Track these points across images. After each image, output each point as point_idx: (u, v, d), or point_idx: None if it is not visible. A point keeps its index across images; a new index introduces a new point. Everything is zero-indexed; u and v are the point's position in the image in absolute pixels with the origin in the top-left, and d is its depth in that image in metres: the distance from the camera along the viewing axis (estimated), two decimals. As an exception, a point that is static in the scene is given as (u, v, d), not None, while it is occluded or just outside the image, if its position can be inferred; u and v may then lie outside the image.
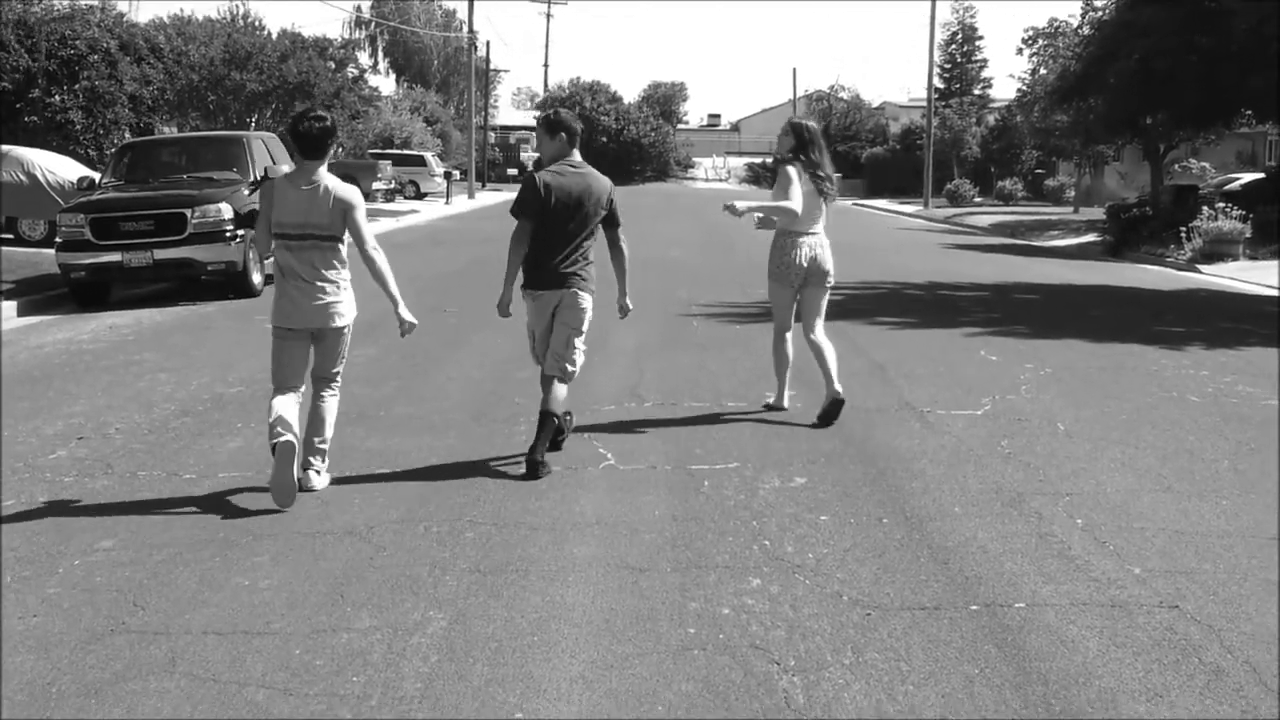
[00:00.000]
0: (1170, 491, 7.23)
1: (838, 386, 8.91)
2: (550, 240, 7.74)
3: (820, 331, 9.12)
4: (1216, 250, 25.11)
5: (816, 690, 4.54)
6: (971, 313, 16.26)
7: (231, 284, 17.34)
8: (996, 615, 5.26)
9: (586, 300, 7.86)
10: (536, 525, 6.53)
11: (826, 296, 9.23)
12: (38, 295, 17.13)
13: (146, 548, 6.20)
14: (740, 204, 8.76)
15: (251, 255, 17.42)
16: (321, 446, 7.27)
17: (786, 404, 9.37)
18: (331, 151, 7.26)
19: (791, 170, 8.79)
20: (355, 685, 4.58)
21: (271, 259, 7.34)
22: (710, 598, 5.46)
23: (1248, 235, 25.45)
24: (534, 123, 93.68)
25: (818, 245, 8.99)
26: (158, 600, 5.47)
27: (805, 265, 8.93)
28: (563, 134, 7.82)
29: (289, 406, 7.01)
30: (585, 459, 7.93)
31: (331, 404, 7.37)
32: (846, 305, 16.70)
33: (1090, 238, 33.35)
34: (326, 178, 7.09)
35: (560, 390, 7.78)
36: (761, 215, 9.02)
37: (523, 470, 7.54)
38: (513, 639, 4.99)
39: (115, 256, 16.58)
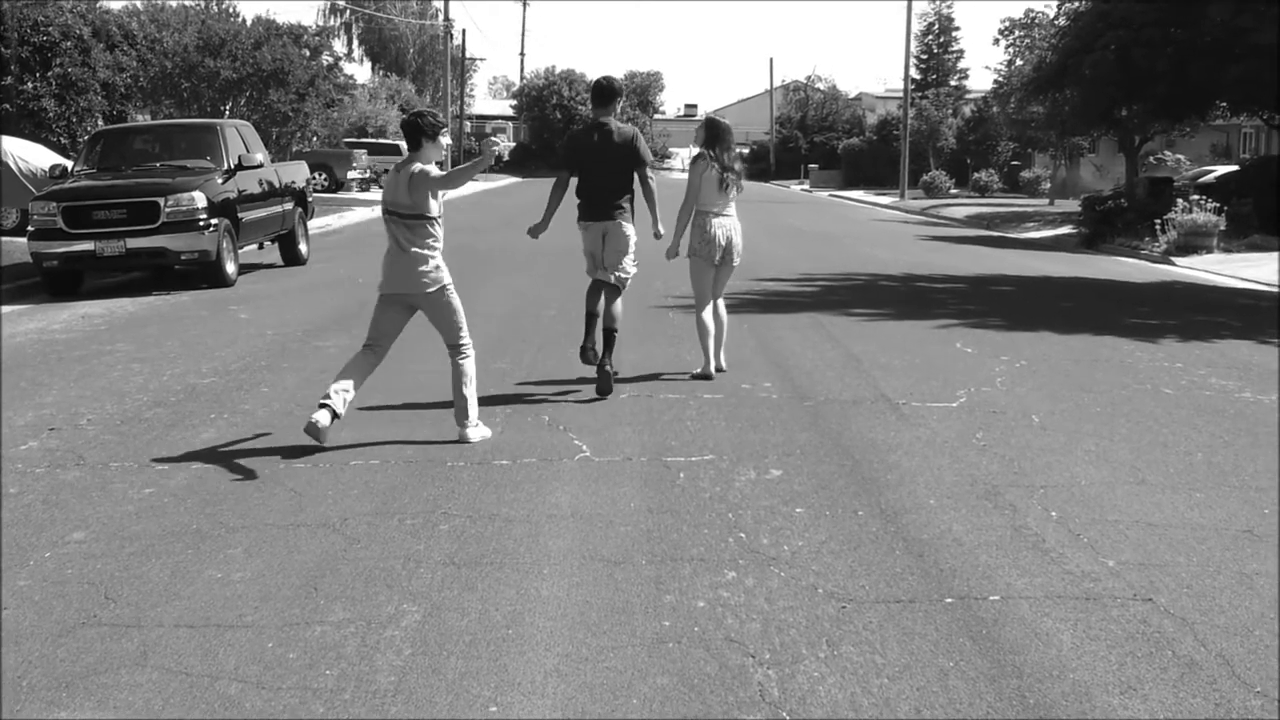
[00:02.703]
0: (1144, 484, 7.26)
1: (721, 362, 10.43)
2: (587, 182, 9.59)
3: (721, 304, 10.46)
4: (1191, 243, 25.21)
5: (791, 683, 4.53)
6: (947, 305, 16.30)
7: (205, 274, 17.26)
8: (971, 608, 5.26)
9: (628, 228, 9.64)
10: (511, 518, 6.51)
11: (731, 275, 10.58)
12: (9, 284, 17.03)
13: (118, 540, 6.16)
14: (670, 248, 10.31)
15: (225, 245, 17.32)
16: (463, 405, 8.14)
17: (714, 372, 10.31)
18: (427, 140, 7.94)
19: (696, 170, 10.13)
20: (328, 679, 4.56)
21: None
22: (685, 590, 5.45)
23: (1222, 228, 25.56)
24: (510, 112, 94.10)
25: (731, 228, 10.25)
26: (129, 593, 5.43)
27: (723, 245, 10.18)
28: (593, 97, 9.88)
29: (355, 366, 8.15)
30: (560, 451, 7.92)
31: (464, 365, 8.18)
32: (822, 297, 16.75)
33: (1065, 230, 33.45)
34: (414, 164, 7.92)
35: (617, 307, 9.62)
36: (679, 237, 10.33)
37: (592, 391, 9.48)
38: (487, 632, 4.98)
39: (88, 245, 16.47)
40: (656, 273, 17.40)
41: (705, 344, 10.29)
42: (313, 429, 7.81)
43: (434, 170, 7.92)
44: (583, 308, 9.88)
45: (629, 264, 9.75)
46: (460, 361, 8.20)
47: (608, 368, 9.49)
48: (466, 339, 8.25)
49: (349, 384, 8.04)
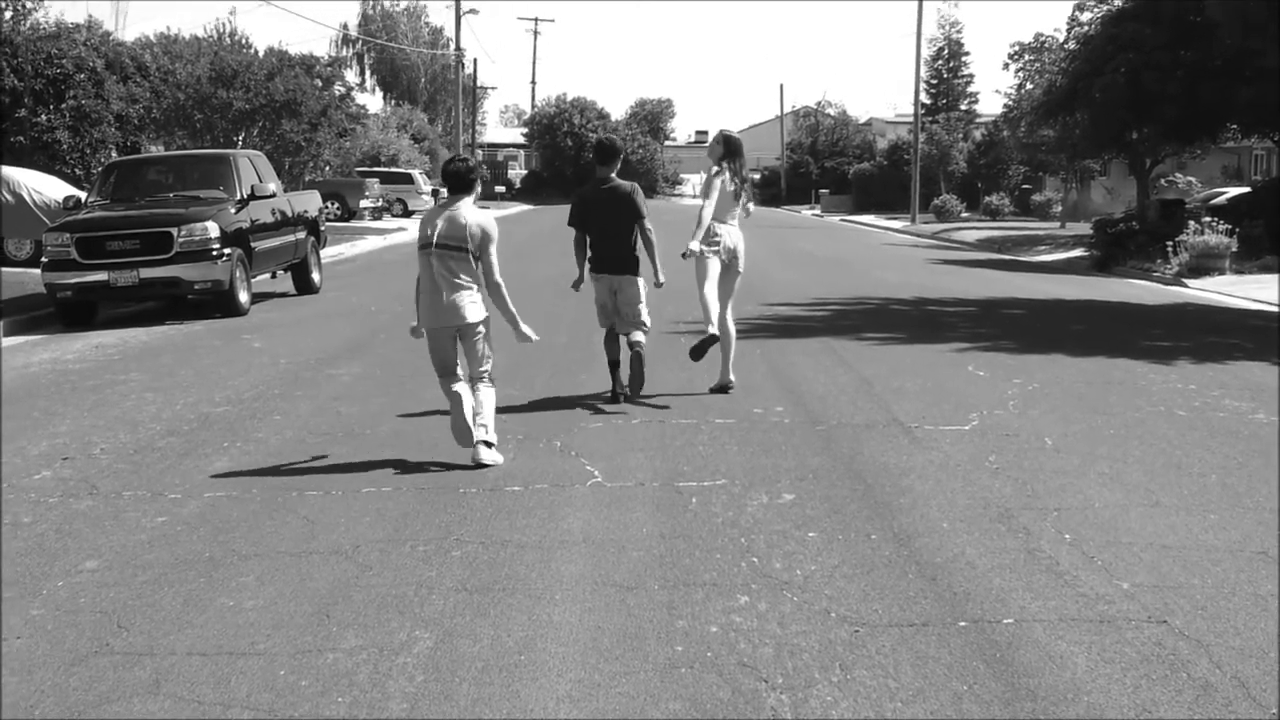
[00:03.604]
0: (1158, 506, 7.23)
1: (731, 378, 10.78)
2: (597, 238, 10.33)
3: (729, 317, 10.80)
4: (1203, 264, 25.16)
5: (804, 708, 4.52)
6: (959, 328, 16.28)
7: (218, 303, 17.31)
8: (985, 631, 5.24)
9: (636, 279, 10.38)
10: (523, 543, 6.51)
11: (737, 283, 10.90)
12: (23, 315, 17.08)
13: (131, 568, 6.17)
14: (692, 245, 10.33)
15: (238, 274, 17.37)
16: (483, 424, 8.29)
17: (718, 334, 10.41)
18: (476, 183, 8.49)
19: (715, 180, 10.53)
20: (341, 706, 4.55)
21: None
22: (698, 615, 5.44)
23: (1234, 249, 25.51)
24: (521, 140, 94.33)
25: (735, 236, 10.70)
26: (142, 621, 5.44)
27: (731, 247, 10.61)
28: (596, 156, 10.63)
29: (454, 397, 8.34)
30: (572, 476, 7.92)
31: (487, 393, 8.40)
32: (834, 321, 16.74)
33: (1077, 253, 33.42)
34: (468, 207, 8.32)
35: (638, 335, 10.31)
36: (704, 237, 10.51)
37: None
38: (499, 658, 4.97)
39: (101, 276, 16.54)
40: (668, 299, 17.44)
41: (708, 312, 10.41)
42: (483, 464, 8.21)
43: (496, 262, 8.37)
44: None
45: (641, 312, 10.45)
46: (481, 388, 8.39)
47: (623, 390, 10.35)
48: (489, 370, 8.47)
49: (470, 413, 8.30)
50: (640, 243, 10.41)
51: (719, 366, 10.90)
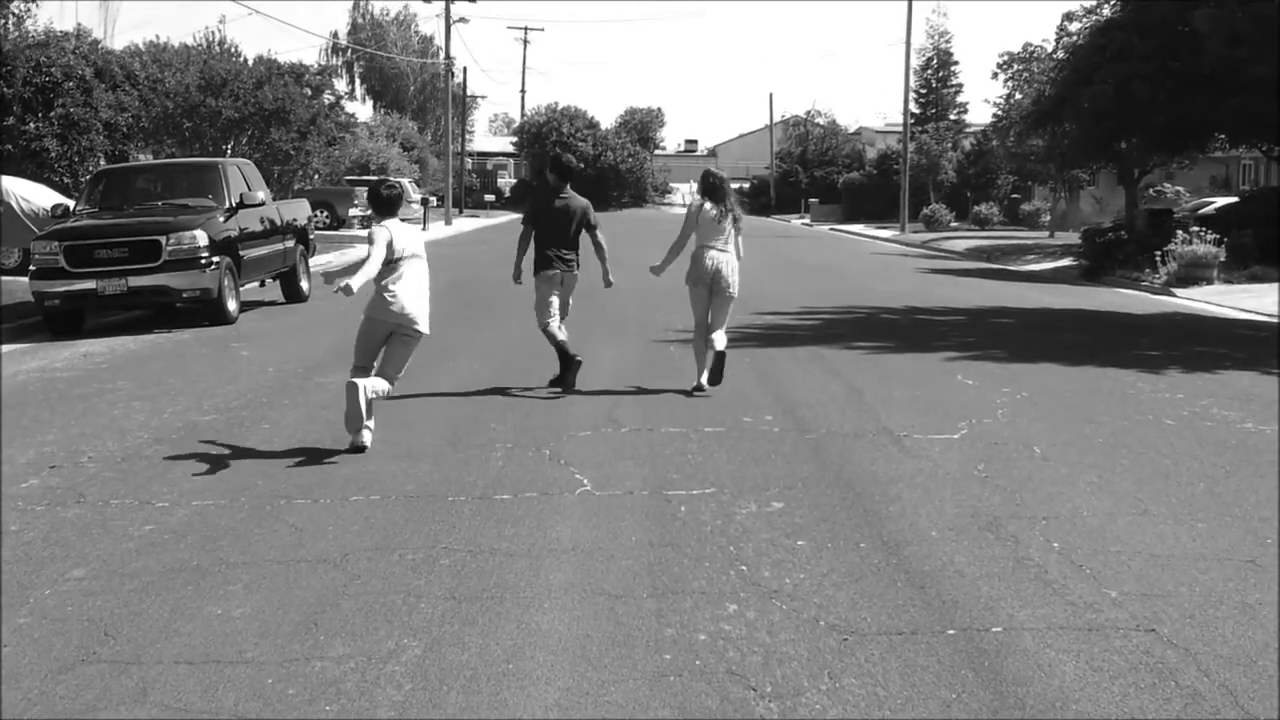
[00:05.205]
0: (1146, 515, 7.24)
1: (703, 380, 11.16)
2: (546, 240, 11.49)
3: (720, 336, 11.23)
4: (1191, 274, 25.24)
5: (793, 716, 4.51)
6: (948, 337, 16.30)
7: (206, 311, 17.27)
8: (973, 639, 5.25)
9: (575, 274, 11.65)
10: (512, 552, 6.50)
11: (729, 306, 11.39)
12: (11, 323, 17.03)
13: (118, 577, 6.15)
14: (657, 265, 11.70)
15: (227, 282, 17.33)
16: (368, 414, 8.96)
17: (705, 385, 11.20)
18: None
19: (690, 211, 11.48)
20: (328, 714, 4.54)
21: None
22: (687, 624, 5.43)
23: (1222, 259, 25.59)
24: (511, 149, 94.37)
25: (723, 261, 11.19)
26: (129, 630, 5.42)
27: (712, 274, 11.13)
28: (554, 172, 11.70)
29: (363, 375, 9.08)
30: (562, 484, 7.91)
31: (387, 390, 9.11)
32: (823, 330, 16.75)
33: (1066, 262, 33.49)
34: (406, 224, 9.38)
35: (563, 328, 11.50)
36: (666, 264, 11.71)
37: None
38: (487, 667, 4.96)
39: (90, 284, 16.48)
40: (659, 306, 17.47)
41: (701, 363, 11.32)
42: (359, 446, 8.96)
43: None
44: (577, 343, 11.69)
45: (570, 303, 11.81)
46: (387, 386, 9.12)
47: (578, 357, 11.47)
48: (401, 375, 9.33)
49: (365, 403, 8.89)
50: (592, 248, 11.67)
51: (705, 371, 11.21)
